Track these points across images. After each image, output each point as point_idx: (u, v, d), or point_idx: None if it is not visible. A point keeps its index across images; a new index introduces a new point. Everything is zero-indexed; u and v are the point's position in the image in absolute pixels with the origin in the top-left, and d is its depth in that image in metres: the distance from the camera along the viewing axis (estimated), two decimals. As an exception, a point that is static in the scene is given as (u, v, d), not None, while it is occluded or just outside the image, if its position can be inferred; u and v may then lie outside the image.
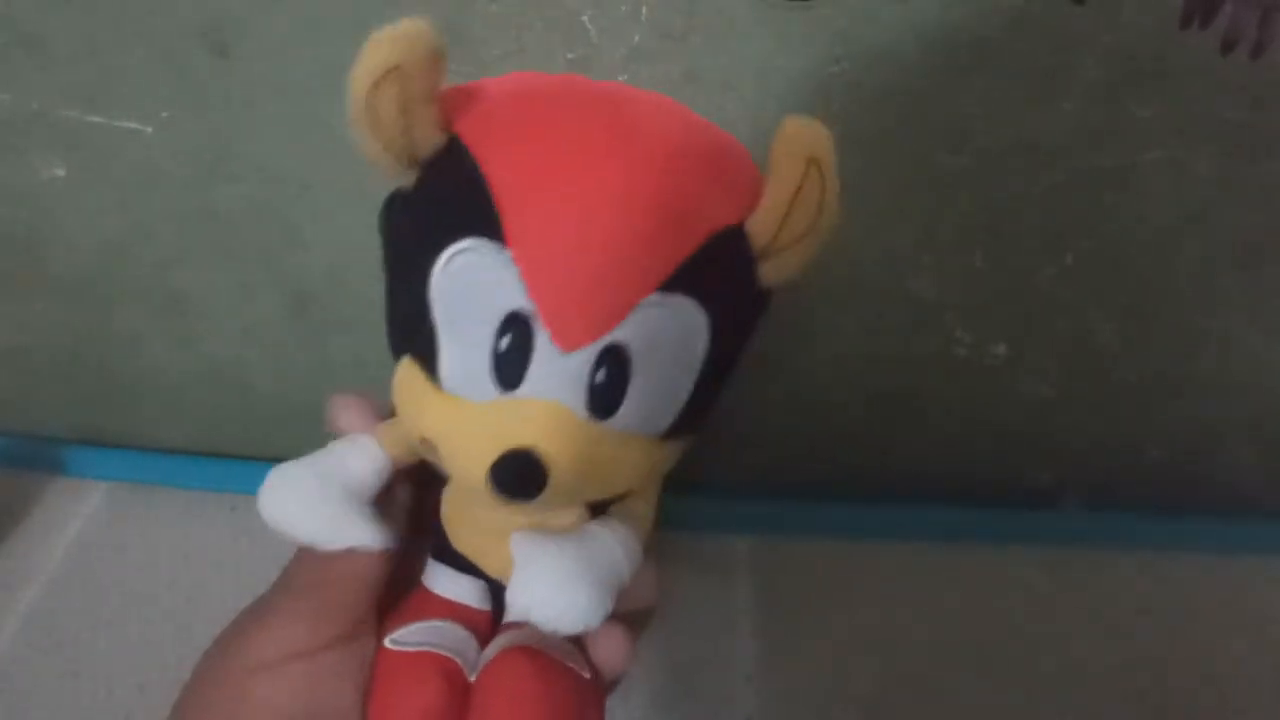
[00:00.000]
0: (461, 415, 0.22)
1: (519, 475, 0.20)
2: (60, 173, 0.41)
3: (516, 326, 0.20)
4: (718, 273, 0.21)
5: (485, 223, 0.20)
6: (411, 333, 0.22)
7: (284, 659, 0.23)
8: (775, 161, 0.20)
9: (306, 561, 0.25)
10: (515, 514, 0.23)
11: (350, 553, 0.24)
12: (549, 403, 0.21)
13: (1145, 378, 0.41)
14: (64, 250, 0.44)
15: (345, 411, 0.26)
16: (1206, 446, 0.43)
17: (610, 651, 0.25)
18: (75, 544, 0.43)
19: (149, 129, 0.39)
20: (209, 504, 0.45)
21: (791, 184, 0.20)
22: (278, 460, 0.42)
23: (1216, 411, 0.42)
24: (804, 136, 0.20)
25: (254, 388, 0.49)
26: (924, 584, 0.43)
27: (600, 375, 0.21)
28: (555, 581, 0.23)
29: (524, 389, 0.21)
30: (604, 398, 0.21)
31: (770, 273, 0.22)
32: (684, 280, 0.20)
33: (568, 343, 0.20)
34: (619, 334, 0.20)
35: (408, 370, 0.23)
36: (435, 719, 0.24)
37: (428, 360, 0.22)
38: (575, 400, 0.21)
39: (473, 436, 0.21)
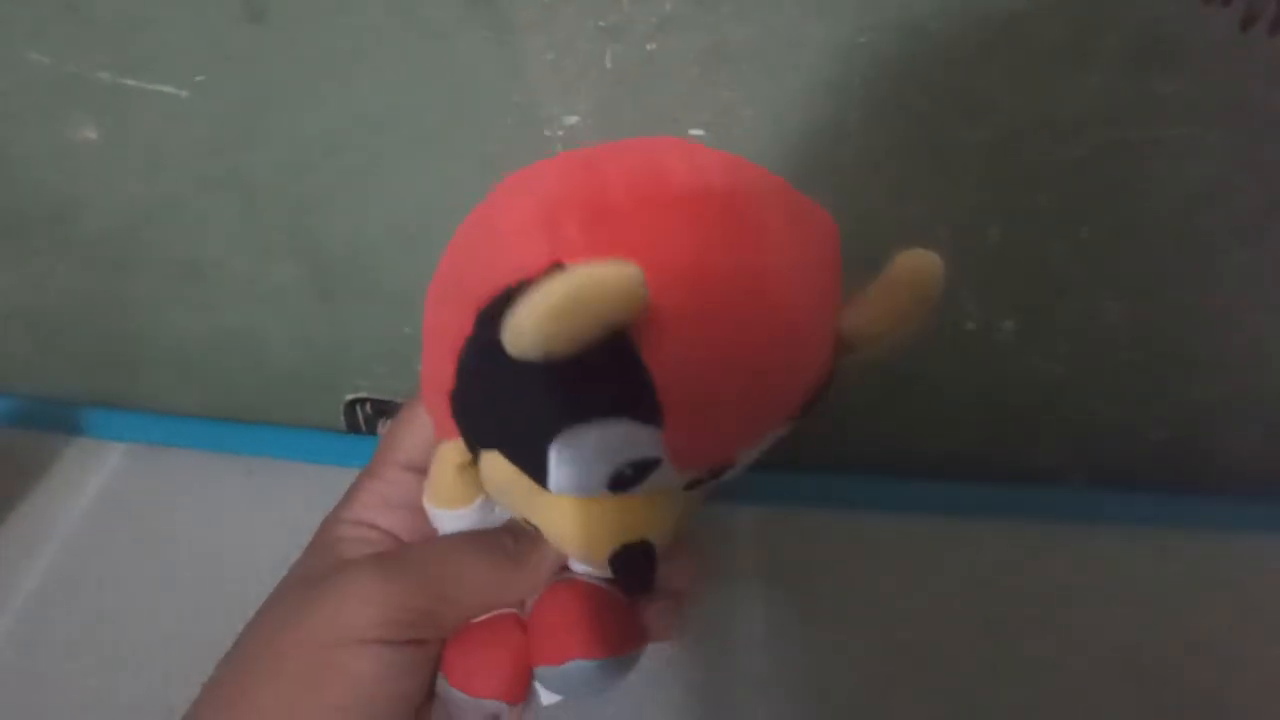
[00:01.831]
0: (573, 513, 0.23)
1: (640, 571, 0.23)
2: (92, 135, 0.42)
3: (643, 463, 0.21)
4: (823, 387, 0.22)
5: (645, 410, 0.19)
6: (512, 445, 0.22)
7: (371, 640, 0.24)
8: (893, 288, 0.21)
9: (440, 561, 0.26)
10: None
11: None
12: (655, 499, 0.22)
13: (1153, 356, 0.42)
14: (90, 213, 0.45)
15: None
16: (1213, 427, 0.44)
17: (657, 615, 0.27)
18: (95, 502, 0.44)
19: (182, 93, 0.39)
20: (225, 465, 0.45)
21: (901, 313, 0.21)
22: (292, 425, 0.44)
23: (1223, 392, 0.43)
24: (926, 280, 0.21)
25: (269, 354, 0.49)
26: (929, 557, 0.43)
27: (706, 474, 0.22)
28: None
29: (637, 490, 0.21)
30: (701, 485, 0.23)
31: (847, 358, 0.22)
32: (806, 407, 0.22)
33: (685, 468, 0.21)
34: (731, 458, 0.22)
35: (501, 467, 0.23)
36: (520, 670, 0.26)
37: (529, 469, 0.22)
38: (677, 489, 0.22)
39: (588, 532, 0.23)
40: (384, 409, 0.51)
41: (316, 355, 0.48)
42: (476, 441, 0.23)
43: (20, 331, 0.51)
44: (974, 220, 0.38)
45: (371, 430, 0.51)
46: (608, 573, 0.23)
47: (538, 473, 0.21)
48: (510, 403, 0.21)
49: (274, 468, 0.45)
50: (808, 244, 0.21)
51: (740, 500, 0.45)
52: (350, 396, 0.51)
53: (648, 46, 0.35)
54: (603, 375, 0.19)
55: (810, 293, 0.21)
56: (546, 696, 0.27)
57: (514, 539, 0.26)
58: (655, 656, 0.39)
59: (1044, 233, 0.38)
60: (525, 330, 0.16)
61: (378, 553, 0.26)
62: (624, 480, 0.21)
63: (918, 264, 0.21)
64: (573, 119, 0.38)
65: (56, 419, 0.47)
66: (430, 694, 0.26)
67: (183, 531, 0.43)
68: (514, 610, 0.27)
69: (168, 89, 0.39)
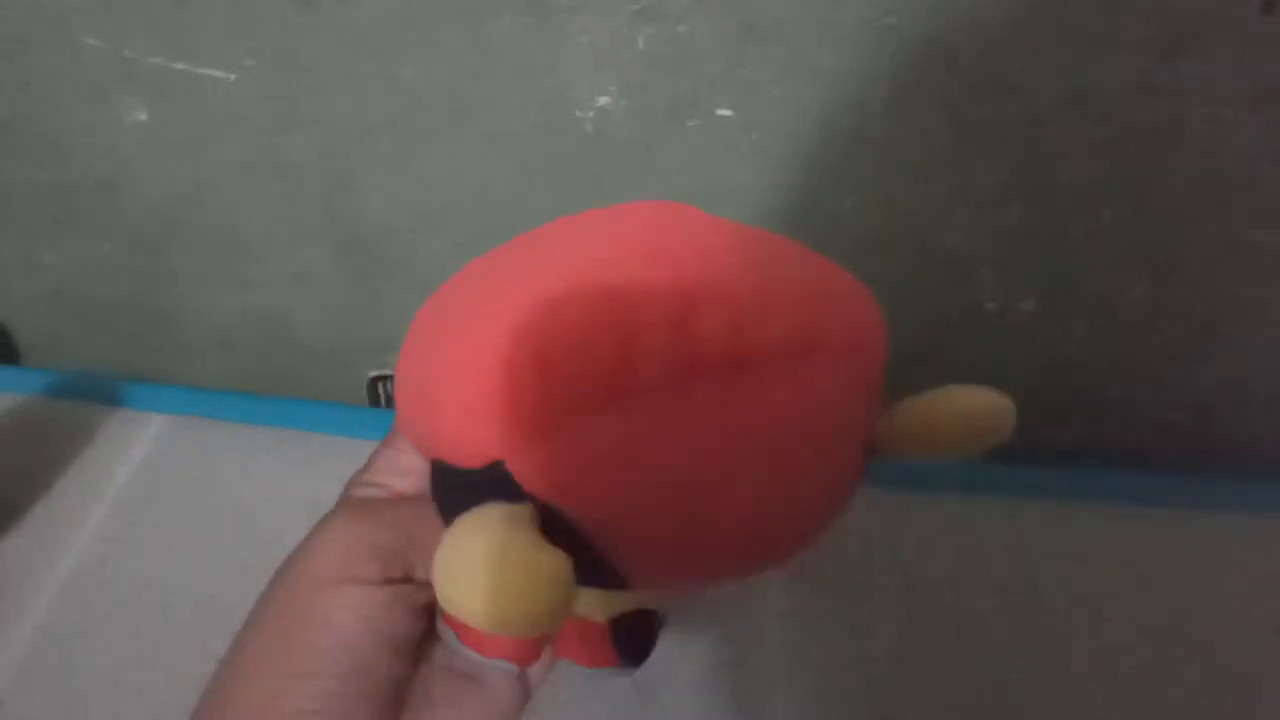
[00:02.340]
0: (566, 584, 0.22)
1: (642, 642, 0.23)
2: (142, 117, 0.43)
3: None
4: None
5: (606, 582, 0.18)
6: None
7: (341, 580, 0.24)
8: (945, 419, 0.20)
9: (409, 505, 0.26)
10: None
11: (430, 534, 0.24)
12: None
13: (1173, 339, 0.43)
14: (136, 193, 0.47)
15: None
16: (1229, 410, 0.45)
17: None
18: (136, 468, 0.46)
19: (231, 77, 0.41)
20: (258, 437, 0.47)
21: (949, 445, 0.20)
22: (321, 399, 0.44)
23: (1240, 375, 0.43)
24: (988, 428, 0.20)
25: (300, 331, 0.51)
26: (946, 535, 0.44)
27: None
28: None
29: None
30: None
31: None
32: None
33: None
34: None
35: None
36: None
37: None
38: None
39: (583, 598, 0.23)
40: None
41: (345, 332, 0.50)
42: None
43: (66, 308, 0.53)
44: (996, 199, 0.39)
45: (391, 405, 0.53)
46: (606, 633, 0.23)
47: None
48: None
49: (303, 439, 0.47)
50: (811, 384, 0.18)
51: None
52: (373, 373, 0.52)
53: (679, 28, 0.36)
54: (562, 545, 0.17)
55: (795, 476, 0.18)
56: None
57: None
58: (674, 626, 0.40)
59: (1066, 213, 0.39)
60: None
61: (357, 499, 0.27)
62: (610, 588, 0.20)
63: (982, 405, 0.20)
64: (603, 100, 0.39)
65: (99, 391, 0.48)
66: (423, 637, 0.26)
67: (218, 496, 0.45)
68: None
69: (216, 73, 0.41)
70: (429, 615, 0.26)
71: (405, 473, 0.28)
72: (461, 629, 0.26)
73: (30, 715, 0.37)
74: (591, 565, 0.17)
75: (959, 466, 0.45)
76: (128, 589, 0.41)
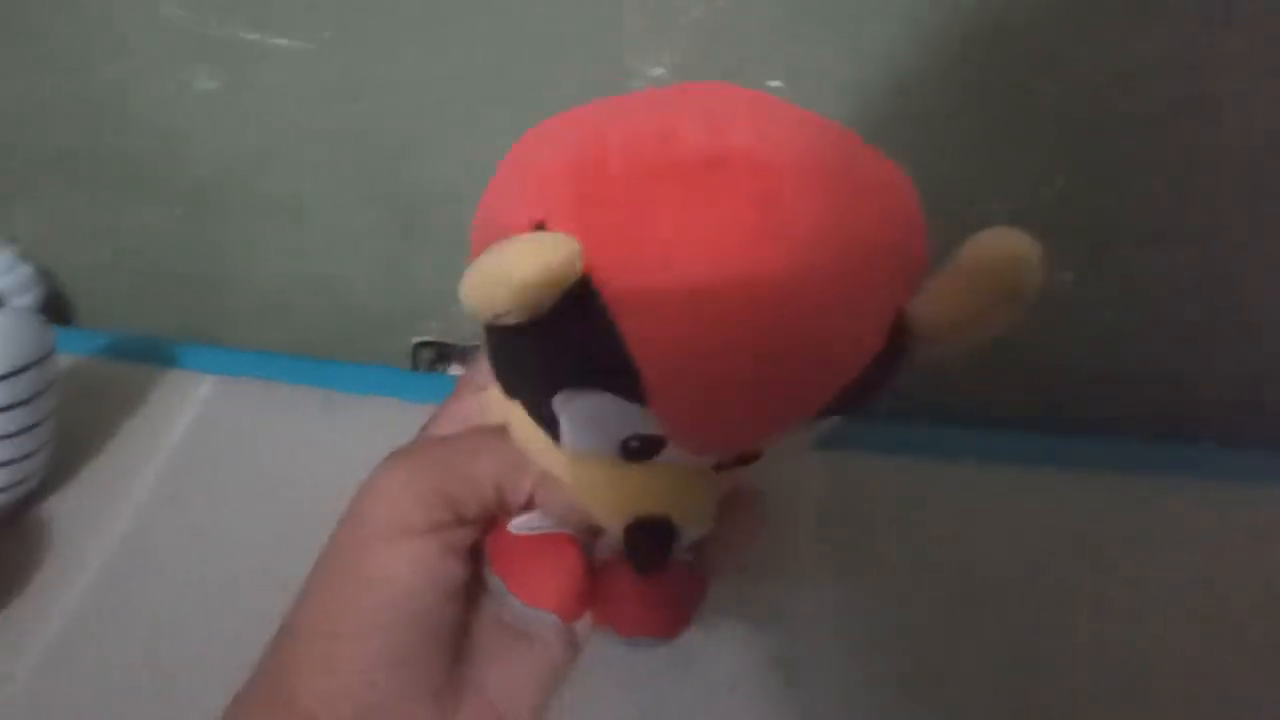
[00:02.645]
0: (588, 471, 0.22)
1: (653, 549, 0.22)
2: (212, 85, 0.45)
3: (648, 439, 0.20)
4: (866, 383, 0.19)
5: (623, 383, 0.18)
6: (528, 402, 0.22)
7: (392, 535, 0.25)
8: (972, 278, 0.18)
9: (444, 445, 0.26)
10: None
11: (487, 478, 0.25)
12: (678, 468, 0.21)
13: (1212, 312, 0.43)
14: (199, 161, 0.48)
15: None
16: (1266, 383, 0.45)
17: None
18: (189, 427, 0.47)
19: (299, 47, 0.43)
20: (306, 398, 0.48)
21: (980, 309, 0.18)
22: (369, 362, 0.44)
23: (1276, 350, 0.44)
24: (1014, 270, 0.18)
25: (350, 296, 0.52)
26: (986, 504, 0.44)
27: (728, 459, 0.21)
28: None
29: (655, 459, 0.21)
30: (731, 470, 0.22)
31: (925, 350, 0.20)
32: (831, 408, 0.19)
33: (703, 456, 0.20)
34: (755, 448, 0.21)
35: (522, 421, 0.23)
36: (578, 587, 0.26)
37: (544, 425, 0.21)
38: (703, 467, 0.21)
39: (603, 494, 0.22)
40: (446, 353, 0.54)
41: (394, 298, 0.51)
42: (503, 390, 0.23)
43: (124, 271, 0.54)
44: (1040, 170, 0.40)
45: (433, 369, 0.54)
46: (619, 544, 0.22)
47: (552, 429, 0.21)
48: (511, 363, 0.21)
49: (350, 401, 0.48)
50: (857, 225, 0.18)
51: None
52: (417, 339, 0.54)
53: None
54: (580, 346, 0.18)
55: (842, 282, 0.18)
56: None
57: None
58: (718, 595, 0.41)
59: (1108, 184, 0.40)
60: (465, 298, 0.17)
61: (414, 445, 0.27)
62: (633, 451, 0.20)
63: (1002, 249, 0.18)
64: (658, 70, 0.40)
65: (153, 353, 0.50)
66: (473, 583, 0.27)
67: (268, 455, 0.46)
68: (571, 532, 0.27)
69: (286, 42, 0.43)
70: (477, 557, 0.27)
71: (465, 420, 0.28)
72: (508, 575, 0.26)
73: (87, 661, 0.38)
74: (613, 358, 0.18)
75: (1004, 436, 0.46)
76: (182, 542, 0.42)
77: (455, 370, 0.54)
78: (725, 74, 0.40)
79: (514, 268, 0.16)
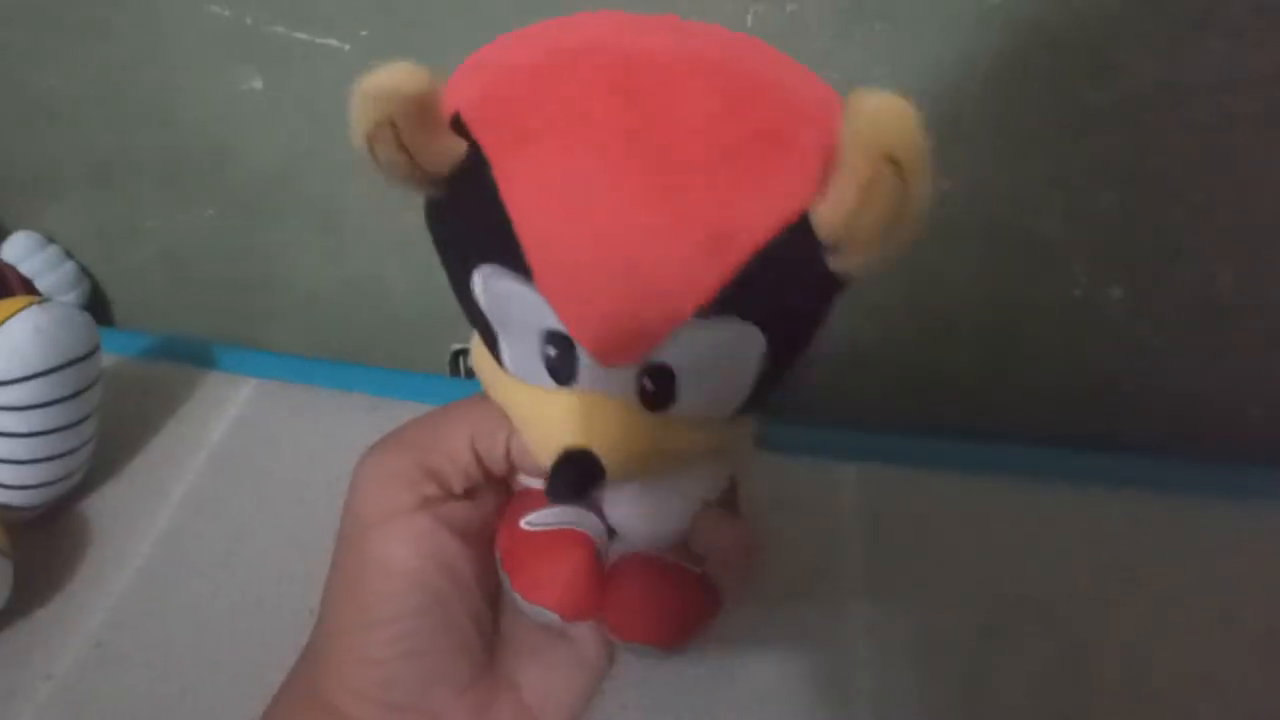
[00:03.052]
0: (528, 400, 0.23)
1: (574, 480, 0.21)
2: (257, 85, 0.45)
3: (558, 341, 0.20)
4: (768, 285, 0.19)
5: (507, 251, 0.19)
6: (473, 320, 0.23)
7: (388, 516, 0.25)
8: (845, 152, 0.17)
9: (417, 423, 0.27)
10: None
11: (462, 441, 0.26)
12: (605, 398, 0.21)
13: (1259, 332, 0.43)
14: (242, 161, 0.48)
15: None
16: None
17: (716, 534, 0.27)
18: (230, 429, 0.47)
19: (346, 47, 0.43)
20: (349, 402, 0.48)
21: (861, 183, 0.17)
22: (407, 368, 0.43)
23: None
24: (879, 127, 0.17)
25: (389, 301, 0.52)
26: (1024, 521, 0.44)
27: (647, 383, 0.21)
28: (639, 504, 0.26)
29: (580, 384, 0.21)
30: (655, 400, 0.21)
31: (842, 264, 0.19)
32: (726, 302, 0.19)
33: (606, 361, 0.20)
34: (660, 355, 0.20)
35: (477, 345, 0.25)
36: (583, 586, 0.26)
37: (490, 344, 0.23)
38: (629, 397, 0.21)
39: (537, 425, 0.23)
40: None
41: (433, 303, 0.51)
42: (463, 309, 0.24)
43: (165, 272, 0.54)
44: (1091, 183, 0.40)
45: (471, 377, 0.54)
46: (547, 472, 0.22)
47: (494, 348, 0.23)
48: (447, 266, 0.23)
49: (388, 406, 0.48)
50: (741, 118, 0.19)
51: (842, 457, 0.46)
52: (456, 346, 0.53)
53: (789, 7, 0.38)
54: (479, 218, 0.20)
55: (725, 150, 0.18)
56: None
57: None
58: (754, 608, 0.41)
59: (1160, 199, 0.40)
60: (353, 141, 0.20)
61: (389, 432, 0.27)
62: (553, 364, 0.21)
63: (867, 113, 0.17)
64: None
65: (195, 355, 0.50)
66: (494, 580, 0.27)
67: (306, 458, 0.46)
68: (582, 530, 0.27)
69: (332, 42, 0.43)
70: (481, 542, 0.27)
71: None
72: (513, 570, 0.26)
73: (127, 657, 0.38)
74: (502, 229, 0.19)
75: (1045, 454, 0.46)
76: (220, 543, 0.42)
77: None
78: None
79: (365, 86, 0.19)
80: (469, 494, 0.27)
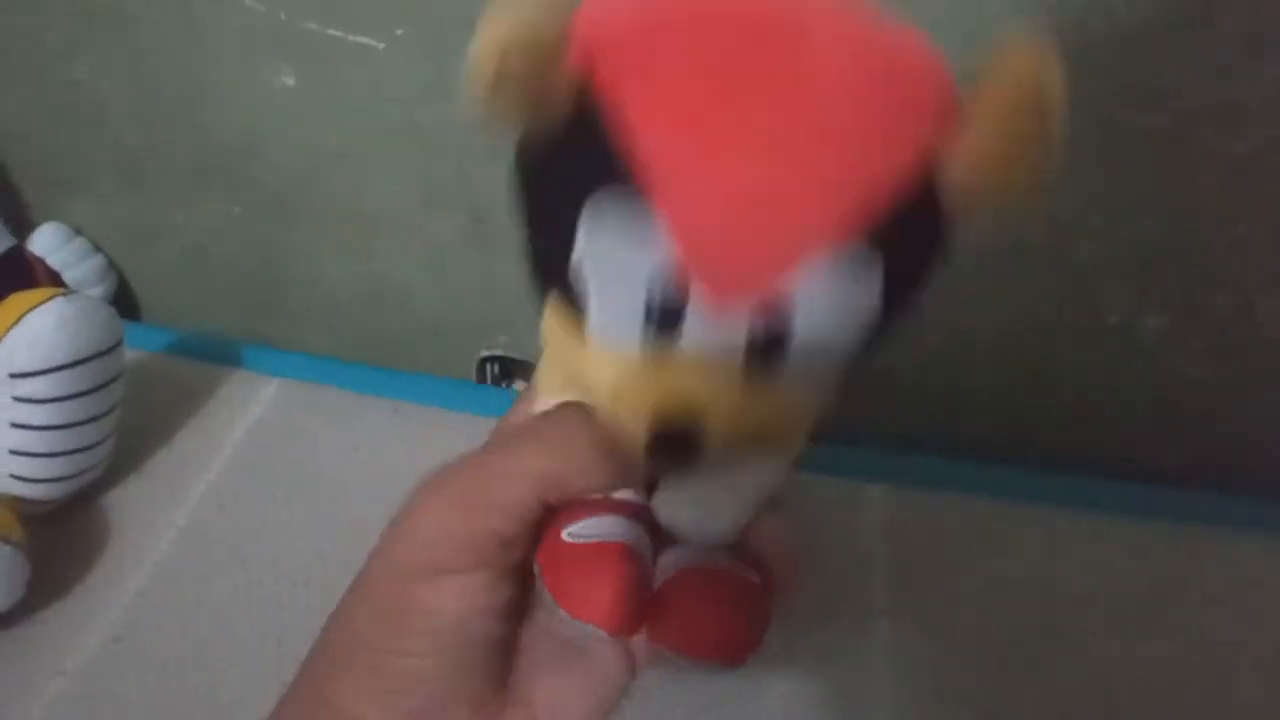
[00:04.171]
0: (615, 370, 0.21)
1: (675, 451, 0.20)
2: (290, 82, 0.45)
3: (668, 282, 0.19)
4: (897, 224, 0.18)
5: (628, 178, 0.18)
6: (558, 277, 0.21)
7: (440, 572, 0.24)
8: (986, 91, 0.18)
9: (480, 466, 0.25)
10: None
11: (511, 477, 0.24)
12: (705, 361, 0.20)
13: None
14: (271, 158, 0.48)
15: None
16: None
17: (770, 540, 0.26)
18: (252, 428, 0.47)
19: (380, 45, 0.42)
20: (372, 406, 0.48)
21: (1000, 123, 0.17)
22: (432, 373, 0.43)
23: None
24: (1022, 67, 0.17)
25: (417, 304, 0.52)
26: (1052, 548, 0.43)
27: (758, 335, 0.19)
28: (695, 501, 0.25)
29: (681, 342, 0.20)
30: (762, 357, 0.20)
31: (971, 209, 0.19)
32: (850, 240, 0.18)
33: (721, 303, 0.19)
34: (779, 295, 0.19)
35: (555, 313, 0.23)
36: (628, 601, 0.25)
37: (577, 306, 0.21)
38: (732, 356, 0.20)
39: (627, 394, 0.21)
40: (511, 368, 0.53)
41: (460, 310, 0.51)
42: (537, 287, 0.23)
43: (191, 269, 0.54)
44: (1131, 209, 0.39)
45: (499, 385, 0.54)
46: (641, 446, 0.21)
47: (579, 309, 0.21)
48: (536, 212, 0.22)
49: (412, 410, 0.48)
50: (878, 58, 0.19)
51: (869, 478, 0.46)
52: (484, 354, 0.53)
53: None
54: (589, 149, 0.19)
55: (860, 89, 0.18)
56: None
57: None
58: (777, 626, 0.40)
59: (1201, 227, 0.39)
60: (479, 62, 0.18)
61: (444, 472, 0.25)
62: (656, 317, 0.19)
63: (1012, 55, 0.17)
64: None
65: (217, 352, 0.50)
66: (524, 595, 0.26)
67: (328, 459, 0.46)
68: (626, 542, 0.26)
69: (367, 40, 0.42)
70: (527, 570, 0.26)
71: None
72: (556, 585, 0.25)
73: (144, 652, 0.38)
74: (624, 164, 0.18)
75: (1076, 481, 0.45)
76: (238, 542, 0.42)
77: (520, 386, 0.54)
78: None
79: (489, 21, 0.18)
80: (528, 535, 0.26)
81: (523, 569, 0.26)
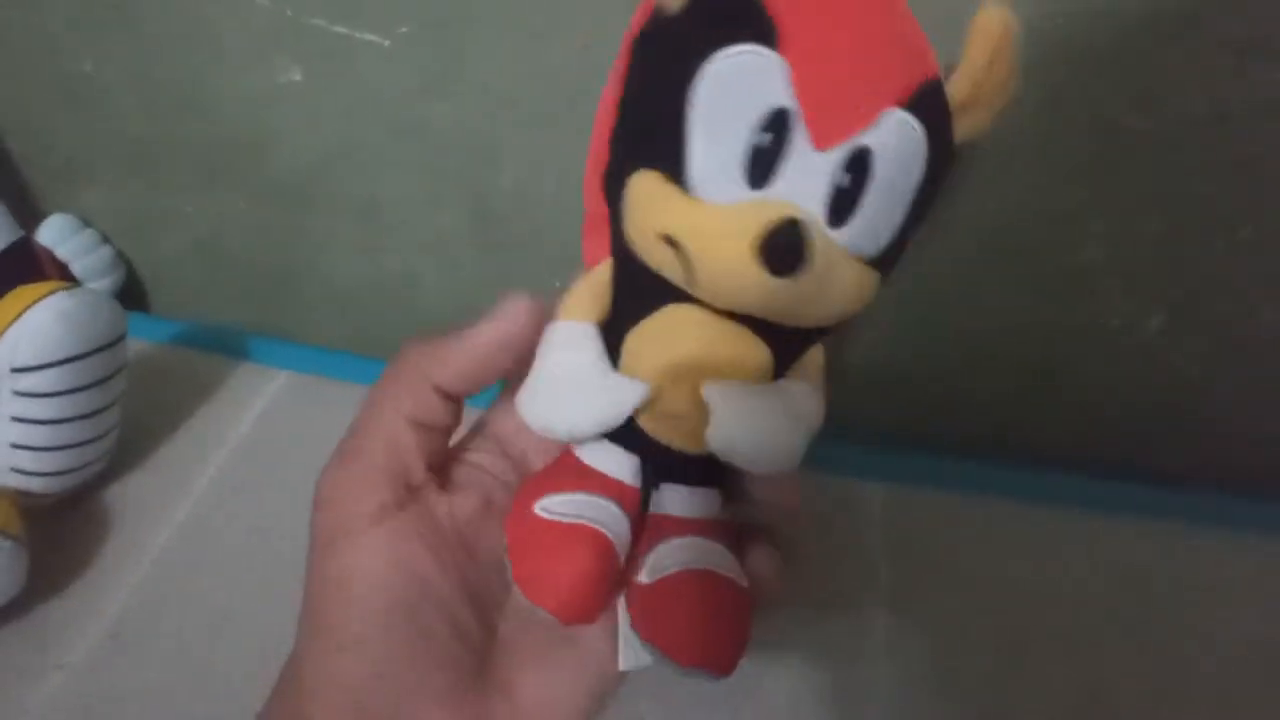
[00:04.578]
0: (712, 211, 0.23)
1: (788, 243, 0.22)
2: (296, 78, 0.45)
3: (776, 123, 0.22)
4: (936, 108, 0.23)
5: (760, 30, 0.22)
6: (656, 139, 0.23)
7: (343, 534, 0.24)
8: (975, 33, 0.22)
9: (352, 426, 0.26)
10: (718, 344, 0.24)
11: (396, 421, 0.25)
12: (794, 208, 0.22)
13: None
14: (280, 153, 0.48)
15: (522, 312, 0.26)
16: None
17: (763, 566, 0.26)
18: (258, 421, 0.47)
19: (386, 42, 0.43)
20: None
21: (988, 54, 0.22)
22: None
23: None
24: (1000, 17, 0.22)
25: (423, 298, 0.52)
26: (1051, 546, 0.44)
27: (845, 178, 0.22)
28: (755, 422, 0.24)
29: (772, 190, 0.22)
30: (844, 201, 0.22)
31: (960, 129, 0.23)
32: (918, 103, 0.22)
33: (824, 140, 0.22)
34: (867, 138, 0.22)
35: (646, 179, 0.24)
36: (587, 590, 0.24)
37: (673, 163, 0.23)
38: (817, 206, 0.22)
39: (729, 223, 0.22)
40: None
41: (468, 304, 0.51)
42: (628, 158, 0.24)
43: (199, 260, 0.54)
44: (1132, 211, 0.39)
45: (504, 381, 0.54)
46: (756, 261, 0.22)
47: (675, 165, 0.22)
48: (649, 77, 0.24)
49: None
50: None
51: (870, 477, 0.46)
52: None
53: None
54: (722, 9, 0.22)
55: (906, 13, 0.22)
56: (630, 658, 0.26)
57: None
58: (777, 623, 0.40)
59: (1202, 229, 0.39)
60: None
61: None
62: (761, 154, 0.22)
63: (992, 11, 0.22)
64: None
65: (228, 344, 0.50)
66: (499, 577, 0.26)
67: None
68: (600, 528, 0.25)
69: (373, 37, 0.43)
70: (463, 543, 0.26)
71: (499, 436, 0.29)
72: (517, 561, 0.25)
73: (143, 644, 0.38)
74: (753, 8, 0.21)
75: (1074, 480, 0.46)
76: (242, 532, 0.42)
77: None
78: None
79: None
80: (443, 483, 0.26)
81: (438, 544, 0.25)
